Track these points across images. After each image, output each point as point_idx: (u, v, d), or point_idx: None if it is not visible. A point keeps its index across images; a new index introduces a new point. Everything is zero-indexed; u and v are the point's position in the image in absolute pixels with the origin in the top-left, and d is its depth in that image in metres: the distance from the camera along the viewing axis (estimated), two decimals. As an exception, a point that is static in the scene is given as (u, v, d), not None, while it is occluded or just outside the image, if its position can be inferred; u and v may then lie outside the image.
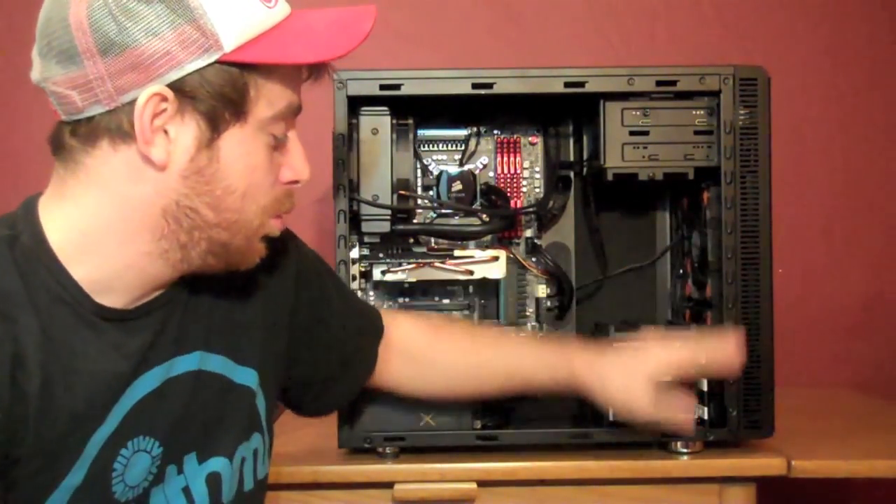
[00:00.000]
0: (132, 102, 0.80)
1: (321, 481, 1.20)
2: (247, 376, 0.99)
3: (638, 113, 1.26)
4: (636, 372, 1.12)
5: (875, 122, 1.89)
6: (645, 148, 1.26)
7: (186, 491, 0.93)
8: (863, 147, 1.89)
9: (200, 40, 0.80)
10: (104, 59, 0.79)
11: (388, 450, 1.24)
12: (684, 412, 1.11)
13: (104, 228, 0.84)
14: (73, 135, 0.83)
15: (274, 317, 1.03)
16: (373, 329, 1.16)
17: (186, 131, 0.83)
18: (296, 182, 0.91)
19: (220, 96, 0.82)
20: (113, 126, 0.81)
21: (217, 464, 0.95)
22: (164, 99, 0.81)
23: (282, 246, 1.02)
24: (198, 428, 0.94)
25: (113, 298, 0.86)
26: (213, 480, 0.95)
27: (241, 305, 0.98)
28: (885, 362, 1.89)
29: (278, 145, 0.89)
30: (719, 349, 1.13)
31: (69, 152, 0.84)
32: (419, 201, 1.36)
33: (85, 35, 0.79)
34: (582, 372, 1.14)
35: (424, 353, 1.19)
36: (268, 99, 0.86)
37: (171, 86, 0.81)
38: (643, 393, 1.11)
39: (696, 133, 1.26)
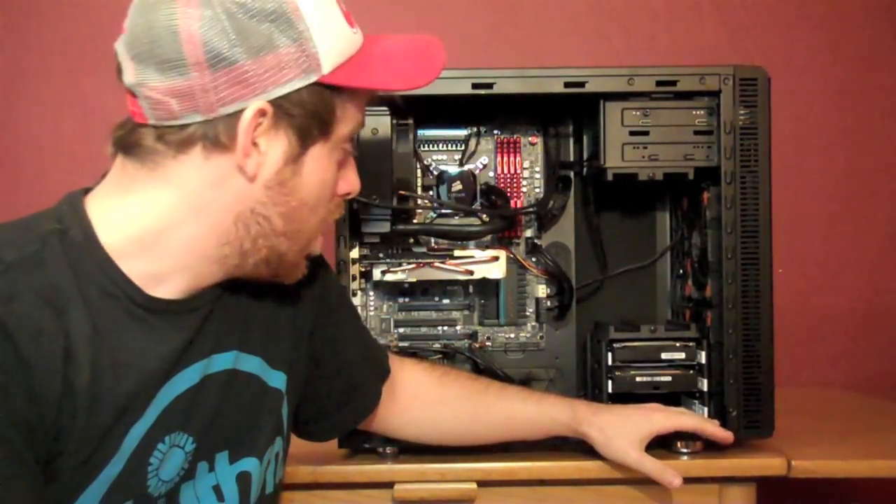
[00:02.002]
0: (232, 115, 0.83)
1: (321, 481, 1.20)
2: (278, 380, 1.01)
3: (638, 113, 1.26)
4: (635, 430, 1.17)
5: (875, 121, 1.89)
6: (645, 148, 1.26)
7: (217, 489, 0.94)
8: (863, 147, 1.89)
9: (304, 61, 0.84)
10: (212, 72, 0.82)
11: (388, 450, 1.24)
12: (672, 474, 1.15)
13: (171, 228, 0.86)
14: (161, 139, 0.84)
15: (299, 327, 1.05)
16: (379, 368, 1.17)
17: (277, 145, 0.86)
18: (348, 194, 0.97)
19: (313, 115, 0.87)
20: (210, 135, 0.84)
21: (248, 464, 0.97)
22: (264, 114, 0.84)
23: (313, 265, 1.05)
24: (230, 427, 0.95)
25: (162, 292, 0.88)
26: (244, 480, 0.97)
27: (273, 310, 1.01)
28: (885, 362, 1.89)
29: (341, 161, 0.94)
30: (715, 429, 1.20)
31: (148, 154, 0.85)
32: (419, 201, 1.36)
33: (195, 47, 0.81)
34: (584, 420, 1.17)
35: (431, 397, 1.20)
36: (347, 119, 0.90)
37: (271, 102, 0.84)
38: (636, 450, 1.16)
39: (696, 133, 1.26)
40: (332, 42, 0.86)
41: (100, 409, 0.82)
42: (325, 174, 0.91)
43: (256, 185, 0.87)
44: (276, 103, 0.84)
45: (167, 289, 0.88)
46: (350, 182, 0.96)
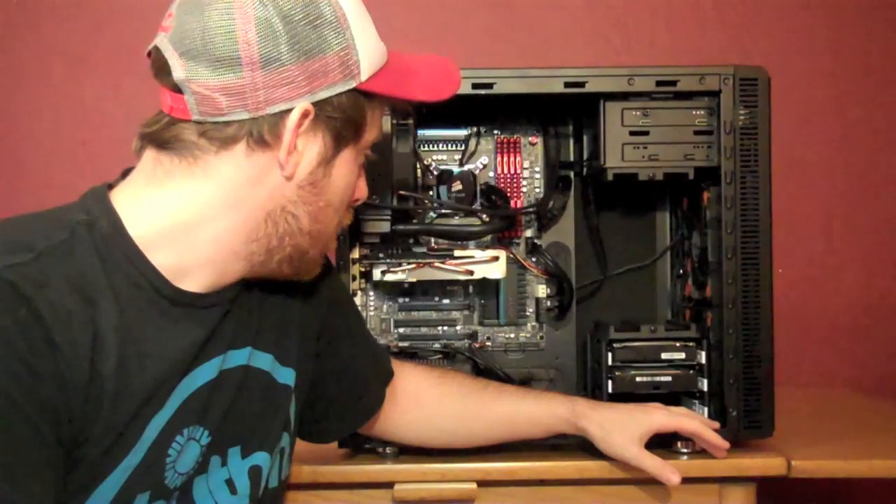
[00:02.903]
0: (278, 114, 0.87)
1: (321, 481, 1.20)
2: (287, 376, 1.03)
3: (638, 113, 1.26)
4: (634, 427, 1.17)
5: (875, 121, 1.89)
6: (645, 148, 1.26)
7: (230, 483, 0.96)
8: (863, 147, 1.89)
9: (346, 67, 0.89)
10: (263, 72, 0.85)
11: (388, 450, 1.24)
12: (671, 471, 1.15)
13: (203, 223, 0.88)
14: (204, 135, 0.87)
15: (308, 326, 1.07)
16: (383, 370, 1.19)
17: (314, 146, 0.90)
18: (357, 201, 1.01)
19: (348, 119, 0.91)
20: (255, 133, 0.87)
21: (259, 458, 0.99)
22: (306, 115, 0.88)
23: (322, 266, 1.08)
24: (243, 422, 0.97)
25: (186, 286, 0.90)
26: (255, 474, 0.99)
27: (284, 309, 1.03)
28: (885, 362, 1.89)
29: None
30: (713, 436, 1.19)
31: (189, 148, 0.87)
32: (419, 201, 1.36)
33: (250, 47, 0.84)
34: (583, 415, 1.18)
35: (431, 396, 1.21)
36: (373, 126, 0.95)
37: (314, 104, 0.88)
38: (636, 445, 1.16)
39: (696, 133, 1.26)
40: (370, 51, 0.91)
41: (124, 398, 0.83)
42: (350, 178, 0.96)
43: (290, 184, 0.90)
44: (318, 106, 0.88)
45: (191, 283, 0.90)
46: (361, 189, 1.01)
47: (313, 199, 0.92)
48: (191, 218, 0.88)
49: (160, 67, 0.87)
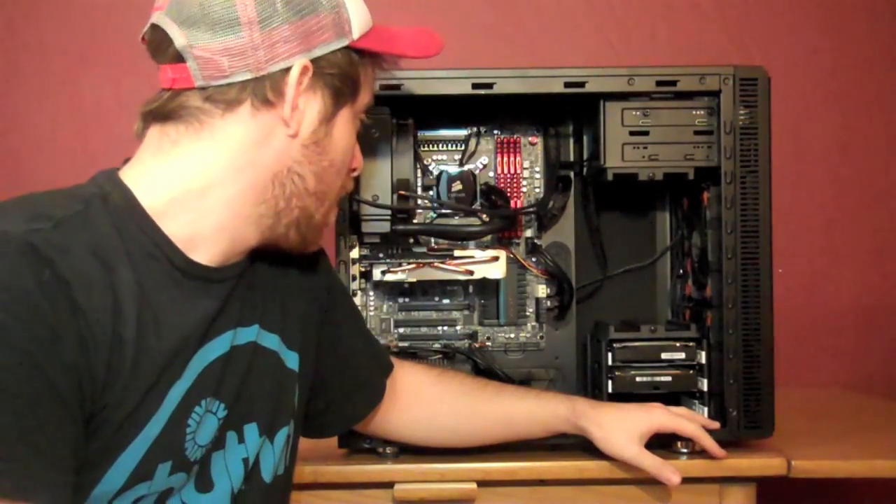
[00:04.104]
0: (279, 72, 0.89)
1: (321, 481, 1.20)
2: (293, 360, 1.03)
3: (638, 113, 1.26)
4: (634, 426, 1.17)
5: (875, 121, 1.90)
6: (645, 148, 1.26)
7: (246, 462, 0.97)
8: (863, 147, 1.89)
9: (338, 25, 0.92)
10: (261, 31, 0.87)
11: (388, 450, 1.24)
12: (671, 471, 1.15)
13: (212, 187, 0.90)
14: (209, 99, 0.88)
15: (309, 315, 1.07)
16: (383, 362, 1.19)
17: (314, 104, 0.92)
18: (355, 170, 1.03)
19: (345, 77, 0.93)
20: (258, 93, 0.89)
21: (271, 438, 1.00)
22: (306, 72, 0.90)
23: (317, 258, 1.09)
24: (256, 399, 0.98)
25: (198, 256, 0.91)
26: (267, 454, 0.99)
27: (287, 294, 1.04)
28: (885, 362, 1.89)
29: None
30: (709, 442, 1.19)
31: (194, 114, 0.89)
32: (419, 201, 1.36)
33: (247, 7, 0.87)
34: (584, 414, 1.18)
35: (430, 394, 1.21)
36: (367, 86, 0.98)
37: (312, 61, 0.90)
38: (636, 445, 1.16)
39: (696, 133, 1.26)
40: (359, 11, 0.94)
41: (143, 364, 0.84)
42: (350, 139, 0.98)
43: (295, 144, 0.92)
44: (315, 63, 0.90)
45: (202, 254, 0.91)
46: (358, 158, 1.02)
47: (317, 159, 0.93)
48: (199, 183, 0.89)
49: (158, 44, 0.89)
